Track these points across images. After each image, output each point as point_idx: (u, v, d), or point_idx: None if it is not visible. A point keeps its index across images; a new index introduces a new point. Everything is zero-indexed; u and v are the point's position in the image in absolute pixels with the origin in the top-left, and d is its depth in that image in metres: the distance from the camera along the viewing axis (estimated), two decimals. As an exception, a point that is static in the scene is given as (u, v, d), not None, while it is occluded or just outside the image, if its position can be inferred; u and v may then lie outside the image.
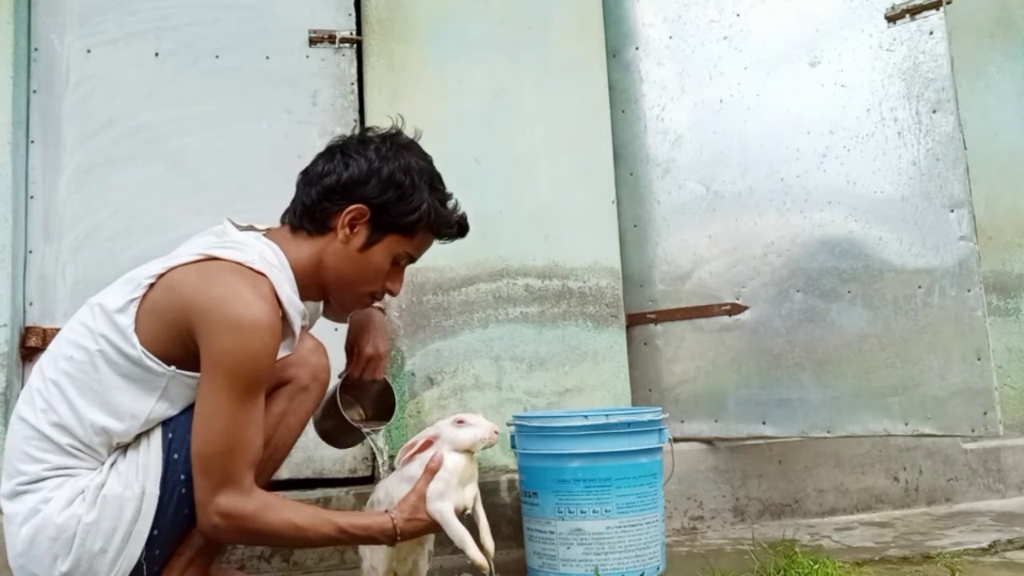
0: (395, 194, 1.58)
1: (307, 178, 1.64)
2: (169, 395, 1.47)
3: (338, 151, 1.63)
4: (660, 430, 1.99)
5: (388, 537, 1.52)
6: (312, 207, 1.61)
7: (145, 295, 1.46)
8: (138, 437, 1.47)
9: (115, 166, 2.36)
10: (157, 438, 1.46)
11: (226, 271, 1.45)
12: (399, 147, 1.62)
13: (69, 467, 1.45)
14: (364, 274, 1.62)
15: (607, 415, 1.96)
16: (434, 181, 1.64)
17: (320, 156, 1.66)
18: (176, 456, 1.45)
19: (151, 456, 1.45)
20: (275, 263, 1.54)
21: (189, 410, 1.46)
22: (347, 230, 1.59)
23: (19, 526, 1.44)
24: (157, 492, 1.44)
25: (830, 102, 2.40)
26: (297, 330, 1.55)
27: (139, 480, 1.44)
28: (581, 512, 1.89)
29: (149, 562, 1.45)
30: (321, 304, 1.77)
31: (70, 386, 1.45)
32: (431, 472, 1.57)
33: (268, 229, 1.66)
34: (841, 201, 2.37)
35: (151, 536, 1.44)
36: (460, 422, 1.63)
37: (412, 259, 1.68)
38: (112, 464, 1.46)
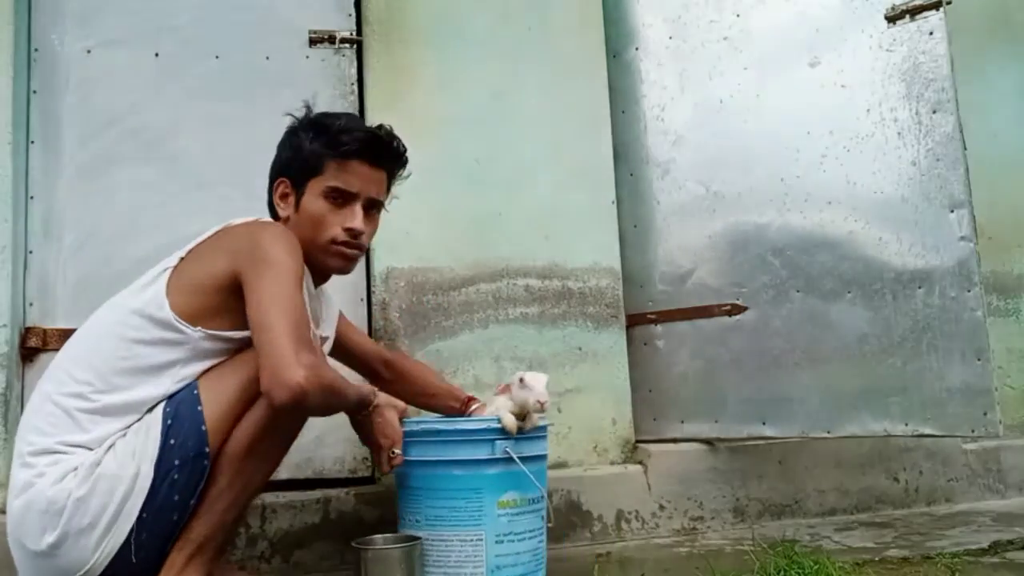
0: (287, 151, 1.77)
1: None
2: (196, 355, 1.57)
3: None
4: (493, 441, 1.81)
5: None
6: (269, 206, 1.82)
7: (176, 267, 1.60)
8: (137, 423, 1.53)
9: (115, 166, 2.35)
10: (157, 425, 1.51)
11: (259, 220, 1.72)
12: (292, 124, 1.80)
13: (73, 443, 1.50)
14: (313, 226, 1.72)
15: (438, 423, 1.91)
16: (317, 118, 1.78)
17: None
18: (172, 442, 1.50)
19: (149, 440, 1.50)
20: None
21: (190, 399, 1.53)
22: (282, 203, 1.76)
23: (15, 498, 1.51)
24: (151, 474, 1.49)
25: (830, 102, 2.40)
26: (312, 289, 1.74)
27: (135, 461, 1.49)
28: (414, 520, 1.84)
29: (136, 545, 1.49)
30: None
31: (100, 361, 1.55)
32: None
33: None
34: (841, 201, 2.37)
35: (139, 518, 1.48)
36: (522, 381, 1.83)
37: (345, 192, 1.72)
38: (110, 446, 1.50)
